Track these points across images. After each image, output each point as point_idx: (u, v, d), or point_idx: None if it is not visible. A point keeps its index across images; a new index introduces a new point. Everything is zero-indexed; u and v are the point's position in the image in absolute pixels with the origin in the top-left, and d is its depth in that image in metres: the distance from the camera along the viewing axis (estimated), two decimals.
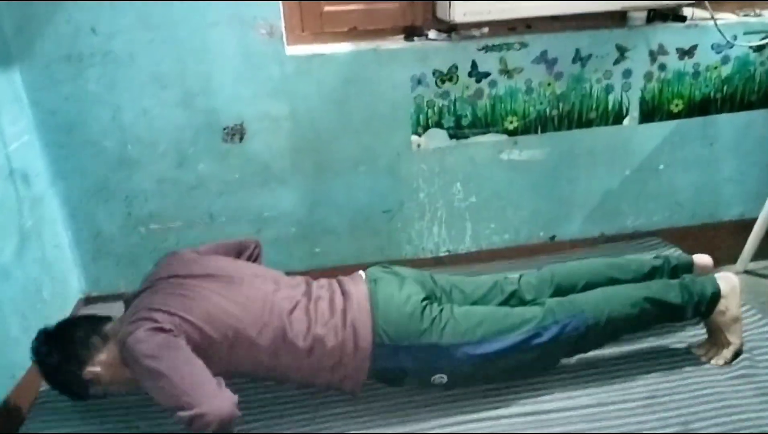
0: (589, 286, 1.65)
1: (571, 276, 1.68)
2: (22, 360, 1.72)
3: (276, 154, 2.04)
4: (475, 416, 1.52)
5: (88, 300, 2.08)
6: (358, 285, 1.57)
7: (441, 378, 1.53)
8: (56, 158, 1.93)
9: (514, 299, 1.64)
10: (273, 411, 1.58)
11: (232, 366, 1.48)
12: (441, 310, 1.52)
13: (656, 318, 1.64)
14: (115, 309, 1.98)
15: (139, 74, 1.88)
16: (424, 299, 1.54)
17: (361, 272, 1.64)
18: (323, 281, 1.61)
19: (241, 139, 1.99)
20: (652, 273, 1.70)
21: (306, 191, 2.10)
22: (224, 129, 1.97)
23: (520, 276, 1.70)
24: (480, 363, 1.51)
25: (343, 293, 1.55)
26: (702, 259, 1.77)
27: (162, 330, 1.39)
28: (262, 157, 2.03)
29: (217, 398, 1.33)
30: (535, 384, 1.61)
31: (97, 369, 1.47)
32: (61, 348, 1.48)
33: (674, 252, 2.07)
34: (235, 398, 1.36)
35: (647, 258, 1.84)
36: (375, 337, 1.47)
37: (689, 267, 1.75)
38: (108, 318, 1.55)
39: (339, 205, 2.14)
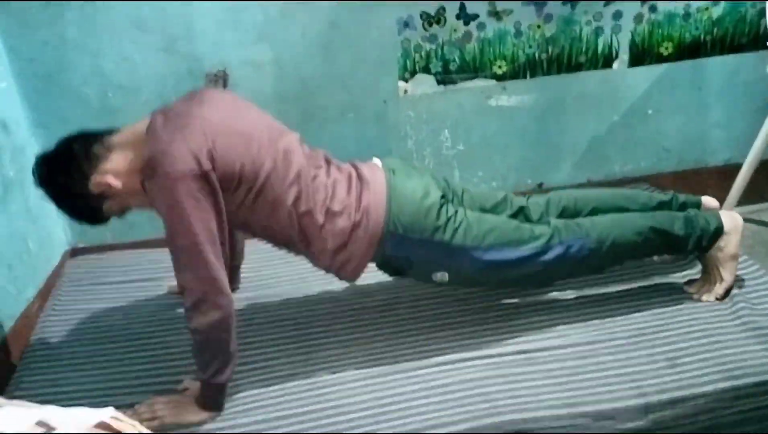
0: (594, 213, 1.65)
1: (578, 203, 1.68)
2: (11, 310, 1.72)
3: (261, 101, 1.95)
4: (466, 355, 1.54)
5: (74, 252, 2.07)
6: (374, 172, 1.53)
7: (443, 275, 1.53)
8: (36, 106, 1.88)
9: (521, 215, 1.62)
10: (267, 353, 1.60)
11: (250, 217, 1.44)
12: (456, 212, 1.51)
13: (658, 248, 1.66)
14: (103, 261, 1.99)
15: (119, 18, 1.83)
16: (441, 197, 1.52)
17: (376, 160, 1.60)
18: (339, 163, 1.56)
19: (225, 85, 1.95)
20: (660, 208, 1.70)
21: None
22: (207, 75, 1.93)
23: (528, 197, 1.69)
24: (483, 269, 1.51)
25: (360, 177, 1.51)
26: (710, 202, 1.76)
27: (202, 177, 1.31)
28: None
29: (224, 291, 1.33)
30: (525, 324, 1.63)
31: (107, 178, 1.38)
32: (60, 164, 1.40)
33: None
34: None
35: (656, 193, 1.84)
36: (387, 225, 1.46)
37: (697, 206, 1.75)
38: (109, 131, 1.45)
39: None
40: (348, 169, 1.54)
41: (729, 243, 1.64)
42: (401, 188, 1.50)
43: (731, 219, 1.66)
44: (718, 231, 1.64)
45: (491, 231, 1.51)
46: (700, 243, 1.64)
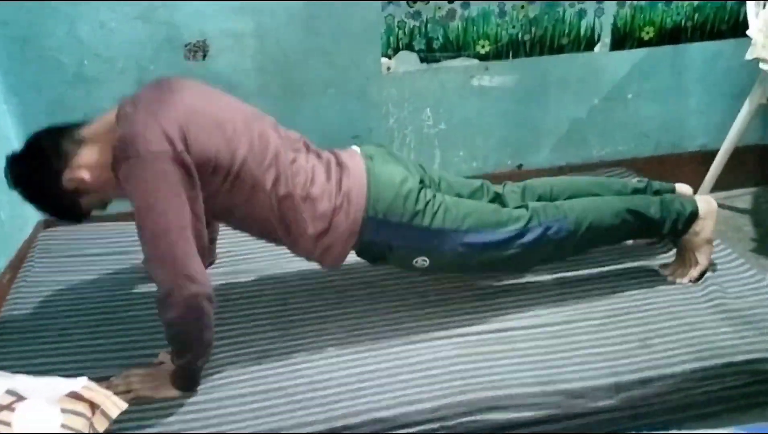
0: (570, 199, 1.66)
1: (554, 190, 1.69)
2: None
3: (241, 73, 1.97)
4: (442, 333, 1.55)
5: (47, 223, 2.02)
6: (353, 158, 1.53)
7: (423, 261, 1.54)
8: (9, 72, 1.83)
9: (497, 201, 1.64)
10: (243, 328, 1.59)
11: (228, 204, 1.42)
12: (434, 196, 1.52)
13: (635, 231, 1.68)
14: (76, 233, 1.95)
15: None
16: (420, 182, 1.53)
17: (354, 147, 1.60)
18: (318, 149, 1.56)
19: (204, 56, 1.92)
20: (634, 195, 1.72)
21: (273, 114, 2.00)
22: (186, 45, 1.90)
23: (504, 185, 1.70)
24: (463, 252, 1.52)
25: (339, 163, 1.51)
26: (683, 189, 1.78)
27: (176, 159, 1.28)
28: (227, 77, 1.95)
29: (196, 281, 1.29)
30: (502, 304, 1.64)
31: (79, 173, 1.36)
32: (31, 163, 1.37)
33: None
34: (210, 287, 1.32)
35: (630, 180, 1.86)
36: (368, 210, 1.46)
37: (671, 193, 1.76)
38: (77, 124, 1.42)
39: (307, 130, 2.04)
40: (327, 156, 1.53)
41: (704, 228, 1.67)
42: (380, 174, 1.50)
43: (706, 203, 1.68)
44: (694, 216, 1.66)
45: (470, 214, 1.52)
46: (676, 226, 1.65)
